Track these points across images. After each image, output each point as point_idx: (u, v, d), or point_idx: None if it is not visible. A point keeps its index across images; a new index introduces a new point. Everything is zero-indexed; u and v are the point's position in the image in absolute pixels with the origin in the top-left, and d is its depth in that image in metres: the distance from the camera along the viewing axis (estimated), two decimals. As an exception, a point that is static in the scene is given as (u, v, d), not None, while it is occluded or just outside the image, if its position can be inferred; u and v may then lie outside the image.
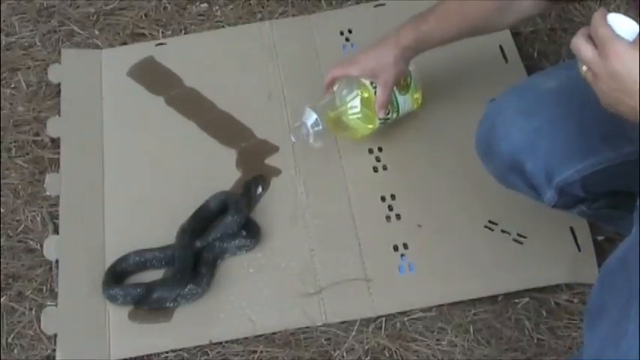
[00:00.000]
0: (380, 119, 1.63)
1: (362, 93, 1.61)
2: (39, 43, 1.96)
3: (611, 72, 1.04)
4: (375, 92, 1.60)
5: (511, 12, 1.44)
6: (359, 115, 1.62)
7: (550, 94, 1.34)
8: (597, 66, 1.05)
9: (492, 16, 1.46)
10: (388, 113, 1.64)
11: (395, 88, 1.62)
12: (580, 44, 1.06)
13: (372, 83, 1.60)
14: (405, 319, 1.52)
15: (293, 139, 1.66)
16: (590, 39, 1.06)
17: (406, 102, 1.67)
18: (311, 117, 1.62)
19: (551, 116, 1.33)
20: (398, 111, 1.66)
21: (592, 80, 1.07)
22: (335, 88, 1.62)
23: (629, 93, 1.04)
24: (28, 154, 1.79)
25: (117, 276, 1.57)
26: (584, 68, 1.08)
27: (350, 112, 1.61)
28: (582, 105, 1.23)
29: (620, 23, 1.04)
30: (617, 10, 1.85)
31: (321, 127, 1.62)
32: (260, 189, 1.66)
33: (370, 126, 1.64)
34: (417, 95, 1.68)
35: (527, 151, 1.34)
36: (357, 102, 1.61)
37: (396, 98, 1.64)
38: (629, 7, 1.24)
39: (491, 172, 1.43)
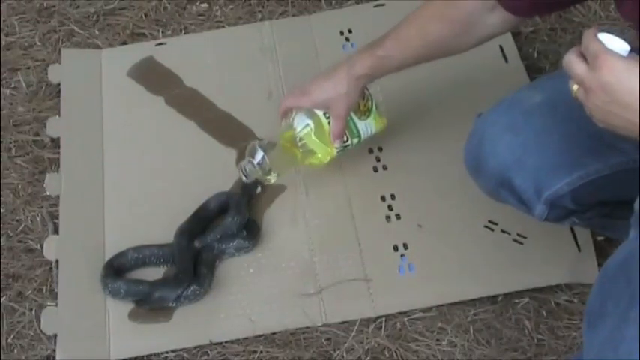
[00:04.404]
0: (337, 147, 1.57)
1: (314, 124, 1.55)
2: (39, 43, 1.96)
3: (603, 84, 1.02)
4: (329, 122, 1.54)
5: (477, 31, 1.36)
6: (311, 148, 1.57)
7: (536, 108, 1.34)
8: (589, 80, 1.04)
9: (456, 38, 1.38)
10: (347, 140, 1.57)
11: (353, 114, 1.56)
12: (572, 60, 1.06)
13: (325, 114, 1.55)
14: (405, 319, 1.52)
15: (242, 175, 1.58)
16: (582, 56, 1.05)
17: (368, 127, 1.59)
18: (258, 155, 1.57)
19: (538, 131, 1.33)
20: (359, 137, 1.59)
21: (584, 96, 1.06)
22: (289, 117, 1.57)
23: (622, 105, 1.02)
24: (28, 154, 1.79)
25: (114, 271, 1.57)
26: (575, 87, 1.07)
27: (302, 142, 1.56)
28: (568, 118, 1.23)
29: (610, 42, 1.04)
30: (614, 10, 1.86)
31: (267, 164, 1.57)
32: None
33: (328, 151, 1.57)
34: (382, 120, 1.61)
35: (515, 168, 1.34)
36: (310, 133, 1.55)
37: (355, 124, 1.58)
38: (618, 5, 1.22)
39: (481, 187, 1.43)
